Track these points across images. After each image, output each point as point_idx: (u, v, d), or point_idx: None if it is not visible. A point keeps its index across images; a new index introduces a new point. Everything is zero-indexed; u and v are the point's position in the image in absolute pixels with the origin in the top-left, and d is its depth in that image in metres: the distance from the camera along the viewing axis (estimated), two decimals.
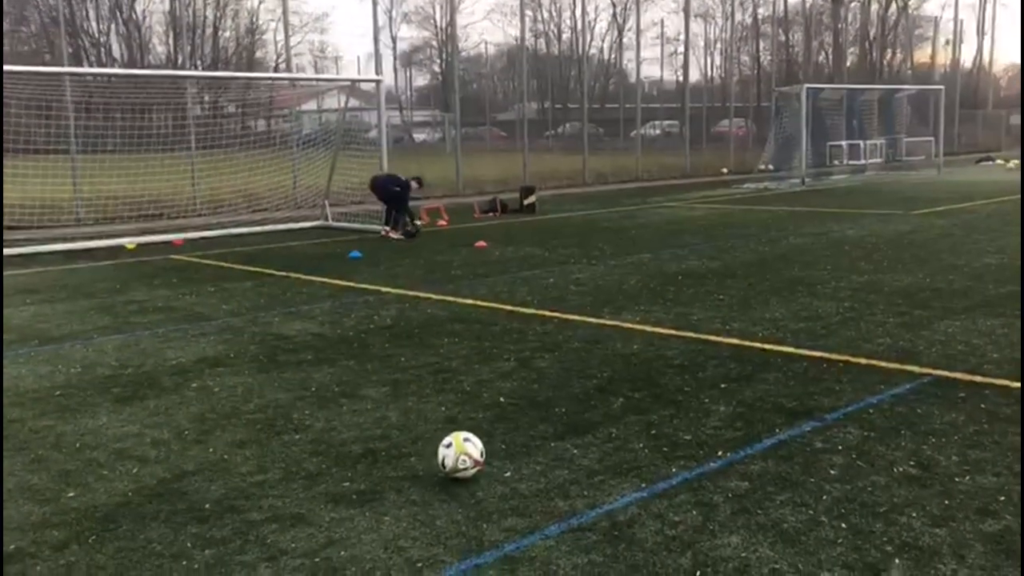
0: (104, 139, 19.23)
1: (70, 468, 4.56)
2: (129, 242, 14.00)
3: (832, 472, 4.24)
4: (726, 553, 3.48)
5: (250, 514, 3.95)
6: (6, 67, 15.98)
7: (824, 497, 3.97)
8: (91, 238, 14.40)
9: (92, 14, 34.36)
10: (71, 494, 4.23)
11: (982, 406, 5.13)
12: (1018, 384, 5.50)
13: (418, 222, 15.00)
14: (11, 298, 9.54)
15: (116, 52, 35.99)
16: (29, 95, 16.03)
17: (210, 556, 3.57)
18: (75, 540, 3.74)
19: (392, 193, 14.50)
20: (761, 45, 40.80)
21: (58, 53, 22.79)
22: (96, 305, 9.02)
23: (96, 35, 35.56)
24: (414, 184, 14.75)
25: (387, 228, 14.43)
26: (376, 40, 22.67)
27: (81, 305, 9.05)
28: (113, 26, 36.06)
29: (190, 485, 4.29)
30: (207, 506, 4.04)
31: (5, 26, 29.86)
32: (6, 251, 13.00)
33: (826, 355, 6.33)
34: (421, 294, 9.17)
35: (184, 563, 3.52)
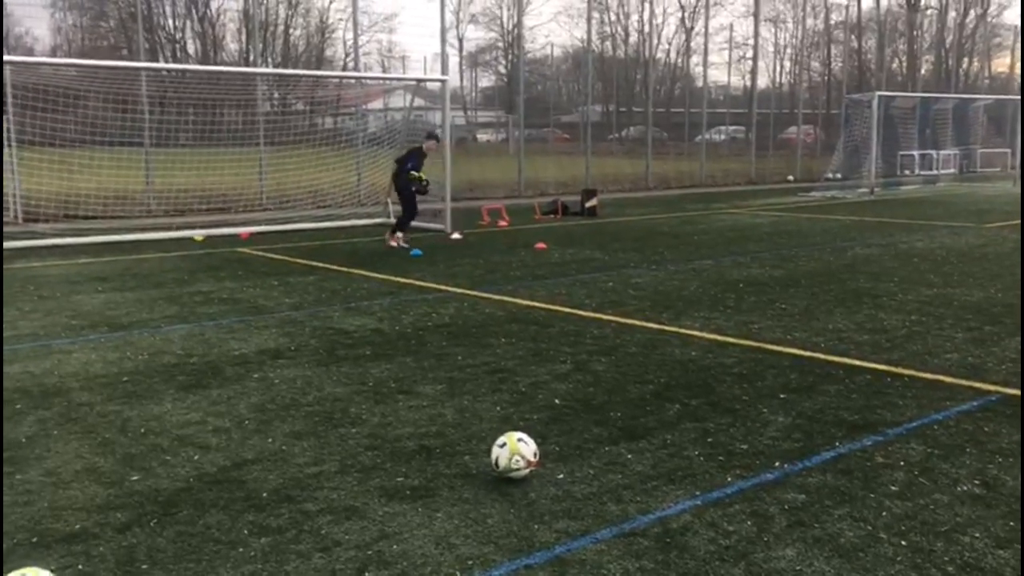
0: (176, 133, 19.74)
1: (134, 452, 4.68)
2: (197, 234, 14.34)
3: (893, 488, 4.15)
4: (780, 566, 3.42)
5: (306, 505, 4.01)
6: (86, 61, 16.52)
7: (884, 513, 3.88)
8: (161, 229, 14.78)
9: (169, 11, 35.28)
10: (135, 478, 4.34)
11: None
12: None
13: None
14: (83, 285, 9.84)
15: (191, 49, 36.92)
16: (107, 89, 16.55)
17: (266, 544, 3.64)
18: (137, 523, 3.84)
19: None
20: (832, 51, 40.06)
21: (135, 49, 23.42)
22: (164, 295, 9.26)
23: (172, 32, 36.53)
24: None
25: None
26: (443, 40, 22.71)
27: (150, 294, 9.29)
28: (188, 23, 37.00)
29: (248, 474, 4.38)
30: (264, 495, 4.12)
31: (84, 21, 30.80)
32: (80, 239, 13.44)
33: (890, 368, 6.19)
34: (479, 294, 9.21)
35: (240, 550, 3.59)
